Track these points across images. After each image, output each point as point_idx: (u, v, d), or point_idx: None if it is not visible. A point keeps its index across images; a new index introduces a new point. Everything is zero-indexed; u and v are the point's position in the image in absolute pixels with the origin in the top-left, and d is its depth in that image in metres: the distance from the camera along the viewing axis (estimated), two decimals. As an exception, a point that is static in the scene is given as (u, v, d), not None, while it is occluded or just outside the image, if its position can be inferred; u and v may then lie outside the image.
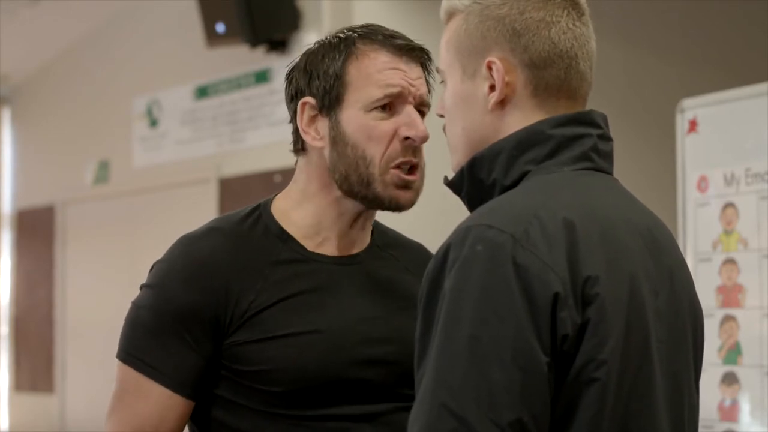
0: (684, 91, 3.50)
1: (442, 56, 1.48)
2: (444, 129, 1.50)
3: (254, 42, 4.80)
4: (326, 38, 1.81)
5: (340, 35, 1.79)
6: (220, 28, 4.89)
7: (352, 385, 1.74)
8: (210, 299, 1.72)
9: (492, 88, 1.41)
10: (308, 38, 4.59)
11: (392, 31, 1.80)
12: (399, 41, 1.78)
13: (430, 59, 1.80)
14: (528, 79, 1.41)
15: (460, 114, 1.45)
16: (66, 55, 6.41)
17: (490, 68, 1.41)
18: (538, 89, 1.41)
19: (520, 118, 1.41)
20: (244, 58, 5.04)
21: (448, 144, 1.49)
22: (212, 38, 4.94)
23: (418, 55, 1.78)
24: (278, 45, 4.85)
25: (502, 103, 1.41)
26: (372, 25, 1.81)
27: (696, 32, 5.65)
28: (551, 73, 1.41)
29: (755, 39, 5.50)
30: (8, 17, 5.87)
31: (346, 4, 4.65)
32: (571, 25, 1.42)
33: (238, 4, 4.74)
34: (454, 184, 1.46)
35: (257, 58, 4.96)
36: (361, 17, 4.40)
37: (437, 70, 1.50)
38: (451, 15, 1.48)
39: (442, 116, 1.50)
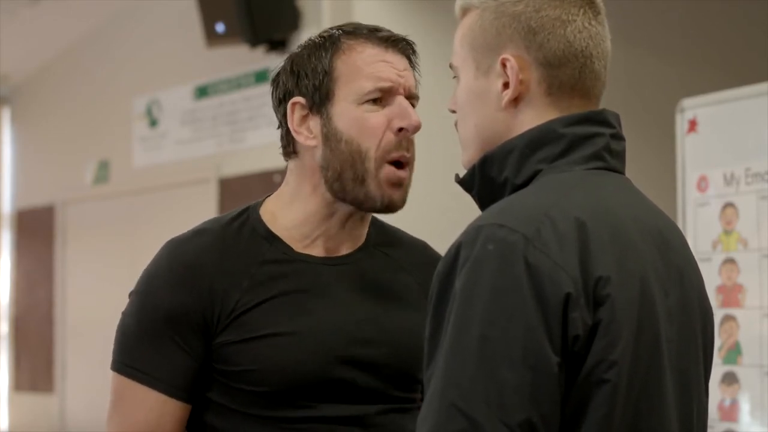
0: (684, 91, 3.50)
1: (456, 52, 1.47)
2: (456, 125, 1.49)
3: (254, 42, 4.80)
4: (309, 40, 1.81)
5: (324, 35, 1.79)
6: (220, 28, 4.89)
7: (338, 386, 1.73)
8: (196, 300, 1.72)
9: (506, 85, 1.41)
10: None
11: (375, 25, 1.80)
12: (383, 33, 1.78)
13: (414, 52, 1.80)
14: (542, 77, 1.40)
15: (472, 110, 1.45)
16: (66, 55, 6.41)
17: (504, 65, 1.41)
18: (552, 88, 1.40)
19: (533, 116, 1.41)
20: (244, 58, 5.04)
21: (460, 140, 1.48)
22: (212, 38, 4.94)
23: (403, 47, 1.78)
24: (278, 45, 4.85)
25: (515, 101, 1.41)
26: (354, 23, 1.81)
27: (696, 32, 5.65)
28: (565, 72, 1.40)
29: (755, 39, 5.50)
30: (8, 17, 5.87)
31: (346, 4, 4.65)
32: (586, 24, 1.41)
33: (238, 4, 4.74)
34: (465, 182, 1.46)
35: (257, 58, 4.96)
36: (361, 17, 4.39)
37: (450, 66, 1.49)
38: (466, 11, 1.47)
39: (454, 112, 1.49)
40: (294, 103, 1.77)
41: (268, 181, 4.92)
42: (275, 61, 4.88)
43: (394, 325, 1.76)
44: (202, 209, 5.24)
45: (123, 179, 6.02)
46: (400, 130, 1.74)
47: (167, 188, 5.71)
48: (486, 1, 1.44)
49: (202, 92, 5.50)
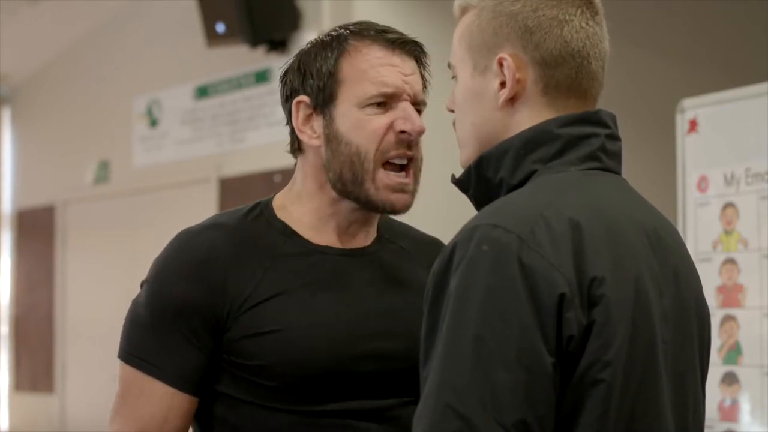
0: (684, 91, 3.50)
1: (454, 51, 1.47)
2: (454, 124, 1.49)
3: (254, 42, 4.80)
4: (318, 38, 1.80)
5: (332, 33, 1.78)
6: (220, 28, 4.89)
7: (356, 380, 1.71)
8: (208, 293, 1.71)
9: (502, 84, 1.41)
10: (308, 38, 4.56)
11: (385, 26, 1.79)
12: (391, 35, 1.76)
13: (424, 53, 1.79)
14: (539, 76, 1.40)
15: (469, 109, 1.45)
16: (66, 55, 6.41)
17: (501, 64, 1.41)
18: (549, 87, 1.40)
19: (529, 116, 1.41)
20: (244, 58, 5.04)
21: (458, 139, 1.48)
22: (212, 38, 4.95)
23: (411, 48, 1.77)
24: (278, 45, 4.85)
25: (512, 100, 1.41)
26: (364, 22, 1.80)
27: (697, 32, 5.65)
28: (562, 72, 1.40)
29: (755, 39, 5.50)
30: (8, 17, 5.87)
31: (346, 4, 4.65)
32: (584, 24, 1.41)
33: (238, 4, 4.74)
34: (461, 183, 1.46)
35: (257, 58, 4.96)
36: (361, 17, 4.38)
37: (448, 66, 1.49)
38: (464, 10, 1.47)
39: (452, 111, 1.49)
40: (299, 102, 1.77)
41: (268, 181, 4.92)
42: (275, 61, 4.91)
43: (412, 317, 1.74)
44: (202, 209, 5.23)
45: (123, 179, 6.02)
46: (402, 132, 1.73)
47: (167, 188, 5.71)
48: (484, 1, 1.44)
49: (203, 92, 5.50)
